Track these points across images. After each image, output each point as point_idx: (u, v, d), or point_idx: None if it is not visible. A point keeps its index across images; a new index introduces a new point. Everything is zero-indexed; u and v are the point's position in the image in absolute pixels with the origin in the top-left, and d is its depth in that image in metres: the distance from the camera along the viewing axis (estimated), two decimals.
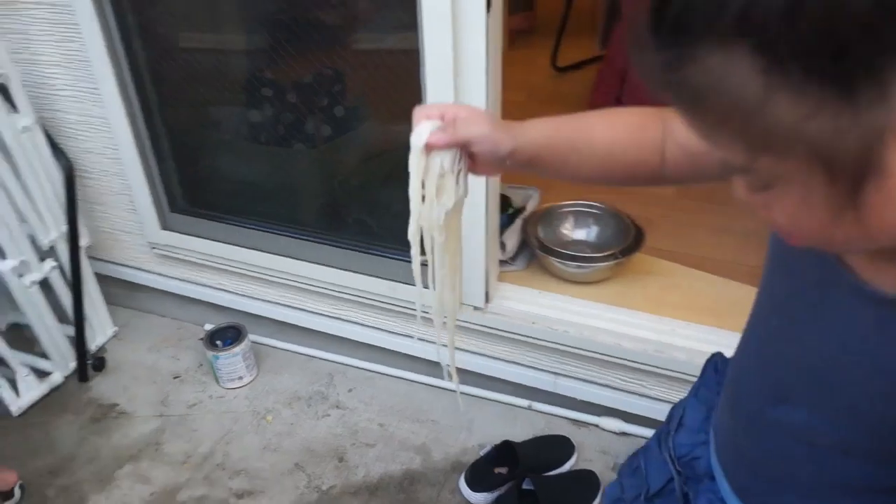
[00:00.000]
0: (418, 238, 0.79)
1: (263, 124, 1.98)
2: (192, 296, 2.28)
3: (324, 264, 1.95)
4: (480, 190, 1.62)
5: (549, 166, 0.76)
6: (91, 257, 2.27)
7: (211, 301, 2.26)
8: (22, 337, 2.31)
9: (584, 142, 0.76)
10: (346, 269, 1.93)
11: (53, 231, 2.11)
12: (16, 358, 2.12)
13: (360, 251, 1.91)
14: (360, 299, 1.98)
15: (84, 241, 2.19)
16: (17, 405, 2.11)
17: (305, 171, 2.06)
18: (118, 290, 2.42)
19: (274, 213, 2.03)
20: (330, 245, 1.94)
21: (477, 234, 1.69)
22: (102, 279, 2.31)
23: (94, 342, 2.31)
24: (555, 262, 1.88)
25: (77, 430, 2.05)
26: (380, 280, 1.89)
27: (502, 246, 1.92)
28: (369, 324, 2.05)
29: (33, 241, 2.07)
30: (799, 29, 0.36)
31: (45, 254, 2.12)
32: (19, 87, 1.93)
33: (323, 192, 2.08)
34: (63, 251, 2.15)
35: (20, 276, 2.04)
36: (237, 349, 2.08)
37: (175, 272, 2.26)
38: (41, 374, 2.19)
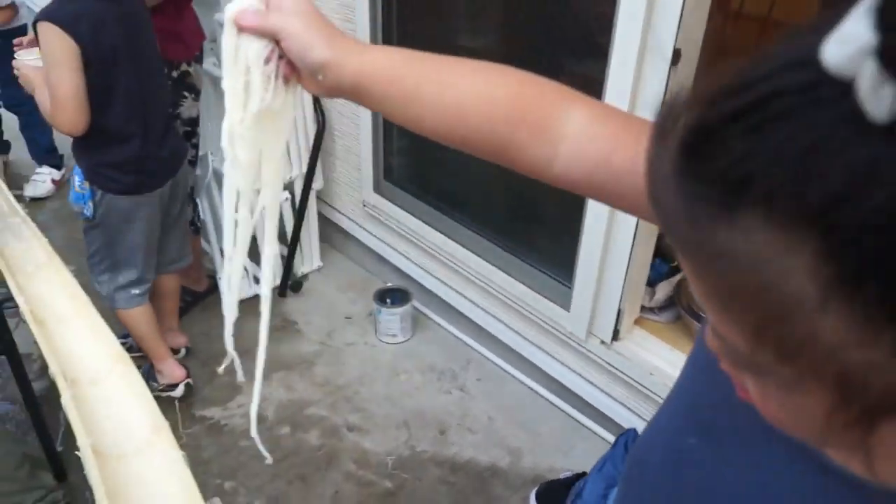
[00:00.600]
0: (231, 149, 0.63)
1: None
2: (383, 255, 2.60)
3: (493, 264, 2.13)
4: (630, 224, 1.68)
5: (380, 103, 0.62)
6: (319, 199, 2.70)
7: (395, 264, 2.56)
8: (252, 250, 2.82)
9: (435, 86, 0.60)
10: (508, 273, 2.09)
11: (296, 170, 2.56)
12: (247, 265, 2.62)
13: (525, 261, 2.06)
14: (510, 303, 2.13)
15: (316, 185, 2.62)
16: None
17: (506, 177, 2.22)
18: (333, 233, 2.83)
19: (469, 207, 2.25)
20: (504, 249, 2.12)
21: (618, 265, 1.75)
22: (323, 220, 2.74)
23: (300, 268, 2.74)
24: (697, 328, 1.86)
25: (257, 332, 2.47)
26: (530, 291, 2.02)
27: (651, 293, 1.94)
28: (513, 326, 2.19)
29: None
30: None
31: (285, 186, 2.58)
32: None
33: (517, 201, 2.23)
34: (298, 188, 2.60)
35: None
36: (398, 310, 2.35)
37: (376, 231, 2.60)
38: (255, 281, 2.67)
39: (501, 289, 2.13)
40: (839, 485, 0.44)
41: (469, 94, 0.60)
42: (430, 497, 1.90)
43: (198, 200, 2.56)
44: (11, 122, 3.26)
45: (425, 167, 2.44)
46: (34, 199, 3.17)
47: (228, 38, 0.59)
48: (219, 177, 2.59)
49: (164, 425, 1.16)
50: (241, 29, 0.58)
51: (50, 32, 1.66)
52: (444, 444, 2.03)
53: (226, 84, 0.60)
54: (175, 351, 2.29)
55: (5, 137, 3.36)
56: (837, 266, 0.28)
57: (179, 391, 2.16)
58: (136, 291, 2.03)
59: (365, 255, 2.76)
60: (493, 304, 2.23)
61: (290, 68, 0.61)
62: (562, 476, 1.90)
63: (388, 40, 2.23)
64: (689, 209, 0.32)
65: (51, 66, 1.70)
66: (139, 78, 1.84)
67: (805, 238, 0.29)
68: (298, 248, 2.67)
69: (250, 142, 0.63)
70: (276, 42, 0.59)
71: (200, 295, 2.59)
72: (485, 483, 1.93)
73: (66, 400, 1.21)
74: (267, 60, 0.59)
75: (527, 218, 2.19)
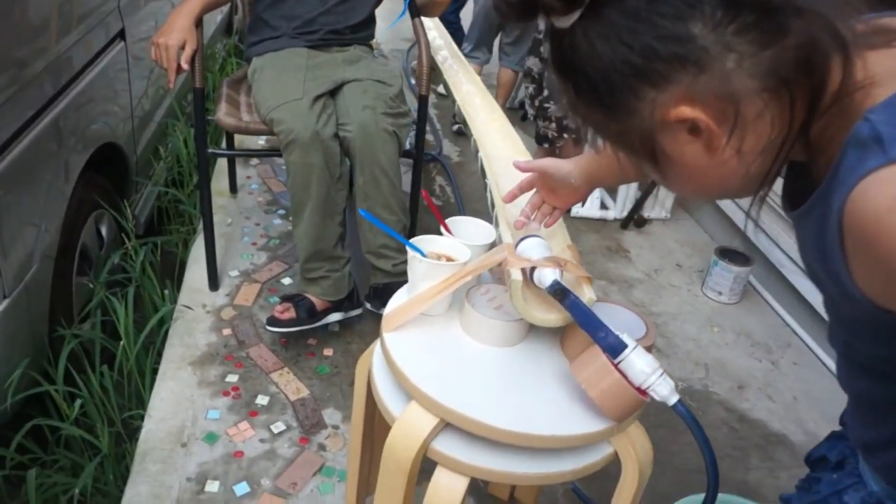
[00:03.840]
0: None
1: None
2: (734, 219, 2.58)
3: None
4: None
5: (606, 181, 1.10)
6: None
7: (740, 226, 2.52)
8: None
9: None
10: None
11: None
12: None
13: None
14: None
15: None
16: (576, 211, 2.81)
17: None
18: None
19: None
20: None
21: None
22: None
23: (649, 212, 2.83)
24: None
25: (593, 247, 2.64)
26: None
27: None
28: None
29: None
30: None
31: None
32: None
33: None
34: None
35: None
36: (736, 269, 2.33)
37: None
38: (603, 206, 2.84)
39: None
40: None
41: None
42: (709, 431, 1.89)
43: None
44: None
45: None
46: None
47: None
48: None
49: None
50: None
51: None
52: (738, 398, 2.00)
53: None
54: None
55: None
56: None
57: None
58: None
59: (714, 219, 2.76)
60: None
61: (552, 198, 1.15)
62: None
63: None
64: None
65: None
66: None
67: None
68: (655, 191, 2.77)
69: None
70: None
71: None
72: (770, 444, 1.86)
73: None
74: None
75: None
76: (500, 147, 1.64)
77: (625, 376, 0.90)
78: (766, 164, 0.60)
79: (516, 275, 0.97)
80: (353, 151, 1.84)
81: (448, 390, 0.93)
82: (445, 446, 0.94)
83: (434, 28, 2.73)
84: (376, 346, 1.11)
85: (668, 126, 0.58)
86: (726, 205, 2.66)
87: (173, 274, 2.24)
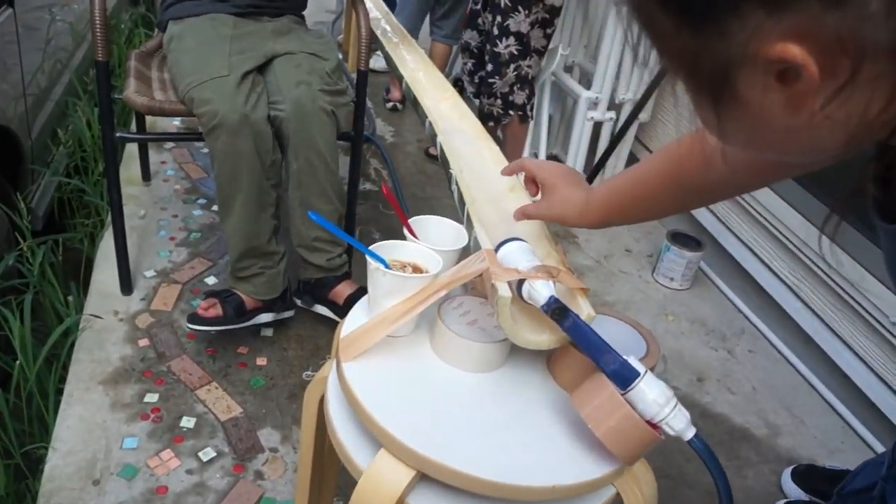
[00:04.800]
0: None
1: None
2: None
3: (819, 229, 1.95)
4: None
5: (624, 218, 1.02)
6: (636, 137, 2.67)
7: (694, 215, 2.45)
8: None
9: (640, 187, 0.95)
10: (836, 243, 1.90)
11: (630, 93, 2.54)
12: None
13: (861, 233, 1.86)
14: (823, 277, 1.94)
15: (643, 116, 2.58)
16: None
17: None
18: None
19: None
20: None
21: None
22: (630, 156, 2.70)
23: None
24: None
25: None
26: (859, 267, 1.82)
27: None
28: (812, 305, 1.99)
29: (613, 92, 2.54)
30: None
31: (613, 106, 2.57)
32: None
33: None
34: (623, 114, 2.58)
35: (588, 108, 2.54)
36: (688, 254, 2.25)
37: None
38: None
39: (820, 259, 1.94)
40: None
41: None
42: None
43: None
44: None
45: None
46: None
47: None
48: (559, 80, 2.66)
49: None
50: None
51: None
52: (698, 391, 1.92)
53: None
54: None
55: None
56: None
57: None
58: None
59: None
60: (799, 275, 2.04)
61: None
62: (827, 465, 1.70)
63: None
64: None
65: None
66: None
67: None
68: (601, 172, 2.66)
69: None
70: None
71: None
72: (734, 441, 1.78)
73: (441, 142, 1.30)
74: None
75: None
76: (462, 128, 1.47)
77: (635, 409, 0.76)
78: (851, 146, 0.47)
79: (503, 290, 0.81)
80: (286, 133, 1.64)
81: (424, 434, 0.77)
82: (423, 501, 0.78)
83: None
84: (329, 373, 0.93)
85: (755, 62, 0.44)
86: None
87: (79, 276, 1.98)
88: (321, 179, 1.68)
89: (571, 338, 0.80)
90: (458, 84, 3.52)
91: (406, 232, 0.97)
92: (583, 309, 0.87)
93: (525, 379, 0.89)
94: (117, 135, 1.72)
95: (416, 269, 0.91)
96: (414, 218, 1.01)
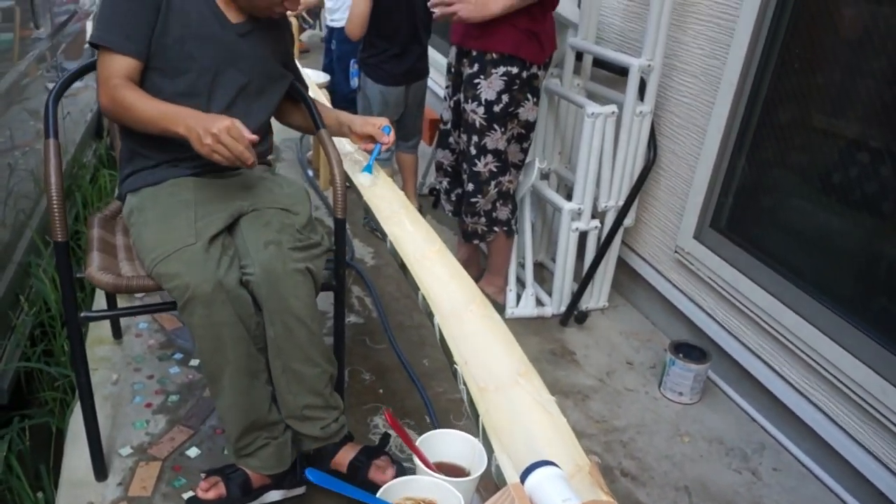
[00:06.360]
0: None
1: (855, 180, 1.88)
2: (679, 307, 2.42)
3: (831, 338, 1.85)
4: None
5: None
6: (623, 241, 2.60)
7: (693, 320, 2.36)
8: (540, 272, 2.80)
9: None
10: (849, 351, 1.80)
11: (612, 200, 2.49)
12: (530, 283, 2.60)
13: (880, 342, 1.77)
14: (842, 387, 1.84)
15: (627, 221, 2.53)
16: (511, 311, 2.58)
17: (879, 244, 1.86)
18: (622, 276, 2.71)
19: (813, 269, 1.99)
20: (851, 323, 1.83)
21: None
22: (619, 260, 2.63)
23: (586, 304, 2.64)
24: None
25: (536, 352, 2.40)
26: (880, 379, 1.73)
27: None
28: (836, 418, 1.88)
29: (595, 200, 2.48)
30: None
31: (597, 214, 2.51)
32: (655, 82, 2.33)
33: (888, 274, 1.89)
34: (608, 221, 2.52)
35: (572, 220, 2.47)
36: (695, 367, 2.15)
37: (678, 280, 2.43)
38: (539, 303, 2.62)
39: (835, 369, 1.85)
40: None
41: None
42: None
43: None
44: None
45: (763, 217, 2.18)
46: None
47: None
48: (539, 192, 2.61)
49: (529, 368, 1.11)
50: None
51: None
52: None
53: None
54: None
55: None
56: None
57: None
58: None
59: (654, 305, 2.59)
60: (814, 384, 1.94)
61: None
62: None
63: (759, 78, 2.10)
64: None
65: None
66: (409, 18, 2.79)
67: None
68: (590, 282, 2.58)
69: None
70: None
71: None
72: None
73: (438, 326, 1.20)
74: None
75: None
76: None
77: None
78: None
79: None
80: (258, 298, 1.53)
81: None
82: None
83: None
84: None
85: None
86: (662, 286, 2.50)
87: (48, 456, 1.81)
88: (303, 344, 1.56)
89: None
90: (433, 193, 3.48)
91: (416, 461, 0.86)
92: None
93: None
94: (82, 315, 1.59)
95: None
96: (422, 438, 0.89)
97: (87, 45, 3.48)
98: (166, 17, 1.54)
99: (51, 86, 2.73)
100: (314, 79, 3.37)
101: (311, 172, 3.75)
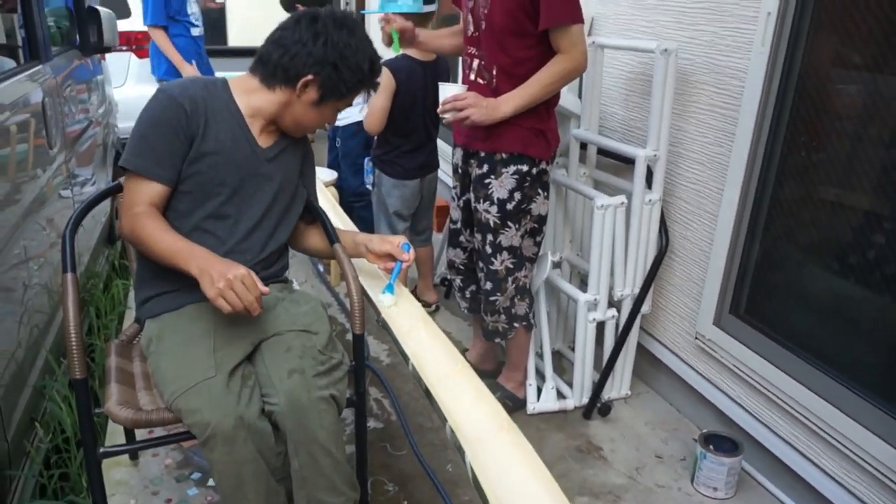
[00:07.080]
0: None
1: (874, 261, 1.86)
2: (704, 394, 2.37)
3: (867, 427, 1.79)
4: None
5: None
6: (641, 327, 2.57)
7: (720, 407, 2.30)
8: (560, 363, 2.75)
9: None
10: (887, 441, 1.75)
11: (627, 289, 2.47)
12: (550, 376, 2.56)
13: None
14: (883, 478, 1.77)
15: (645, 309, 2.50)
16: (533, 406, 2.53)
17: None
18: (644, 363, 2.66)
19: (841, 355, 1.94)
20: (886, 412, 1.78)
21: None
22: (638, 348, 2.59)
23: (608, 393, 2.59)
24: None
25: (561, 449, 2.34)
26: None
27: None
28: None
29: (610, 290, 2.46)
30: None
31: (613, 303, 2.49)
32: (662, 170, 2.34)
33: None
34: (626, 309, 2.49)
35: (588, 310, 2.45)
36: (728, 461, 2.08)
37: (701, 367, 2.38)
38: (560, 396, 2.57)
39: (874, 459, 1.78)
40: None
41: None
42: None
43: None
44: None
45: (784, 301, 2.15)
46: None
47: None
48: (553, 283, 2.59)
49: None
50: None
51: (385, 73, 2.66)
52: None
53: None
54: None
55: None
56: None
57: None
58: None
59: (678, 393, 2.54)
60: (853, 475, 1.87)
61: None
62: None
63: (766, 167, 2.11)
64: None
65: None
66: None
67: None
68: (611, 372, 2.54)
69: None
70: None
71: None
72: None
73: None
74: None
75: None
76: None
77: None
78: None
79: None
80: (283, 429, 1.50)
81: None
82: None
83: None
84: None
85: None
86: (685, 372, 2.45)
87: None
88: (328, 473, 1.52)
89: None
90: (444, 283, 3.47)
91: None
92: None
93: None
94: (101, 451, 1.56)
95: None
96: None
97: (98, 147, 3.54)
98: (201, 146, 1.57)
99: (64, 193, 2.77)
100: (321, 177, 3.41)
101: (321, 267, 3.75)
